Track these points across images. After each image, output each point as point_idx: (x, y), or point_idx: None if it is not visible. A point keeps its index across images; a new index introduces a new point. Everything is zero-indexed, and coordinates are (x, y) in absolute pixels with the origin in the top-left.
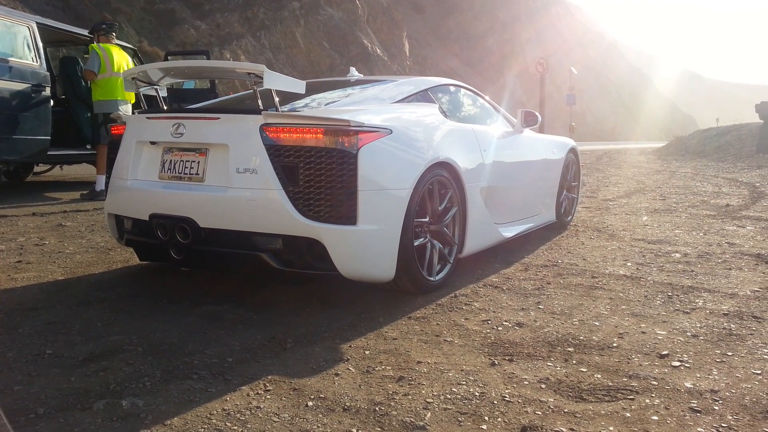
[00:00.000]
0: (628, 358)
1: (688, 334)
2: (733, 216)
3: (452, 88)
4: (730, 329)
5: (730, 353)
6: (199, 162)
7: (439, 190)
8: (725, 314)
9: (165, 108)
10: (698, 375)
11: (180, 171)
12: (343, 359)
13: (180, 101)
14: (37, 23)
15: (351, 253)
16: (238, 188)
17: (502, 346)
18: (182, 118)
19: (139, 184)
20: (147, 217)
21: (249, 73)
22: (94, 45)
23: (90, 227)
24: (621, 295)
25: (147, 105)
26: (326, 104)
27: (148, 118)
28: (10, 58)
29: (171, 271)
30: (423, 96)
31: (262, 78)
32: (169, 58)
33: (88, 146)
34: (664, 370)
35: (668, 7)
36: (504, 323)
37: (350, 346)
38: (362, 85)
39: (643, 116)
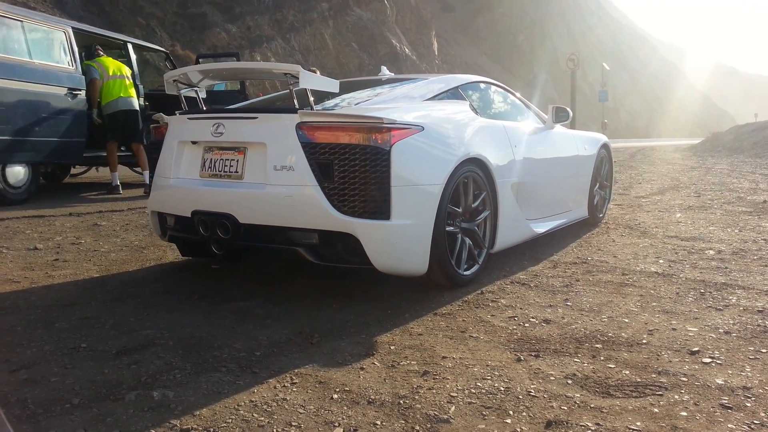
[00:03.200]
0: (658, 355)
1: (721, 330)
2: None
3: (482, 85)
4: (765, 326)
5: (764, 350)
6: (238, 160)
7: (470, 186)
8: (760, 311)
9: (204, 109)
10: (730, 372)
11: (220, 169)
12: (368, 354)
13: (211, 103)
14: (72, 28)
15: (385, 248)
16: (276, 185)
17: (529, 342)
18: (222, 118)
19: (181, 182)
20: (189, 213)
21: (285, 74)
22: (87, 62)
23: (124, 227)
24: (652, 292)
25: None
26: (358, 103)
27: (189, 118)
28: (48, 63)
29: (202, 269)
30: (454, 93)
31: (298, 78)
32: (200, 60)
33: (122, 148)
34: (694, 367)
35: (701, 0)
36: (531, 320)
37: (376, 341)
38: (393, 84)
39: (677, 112)
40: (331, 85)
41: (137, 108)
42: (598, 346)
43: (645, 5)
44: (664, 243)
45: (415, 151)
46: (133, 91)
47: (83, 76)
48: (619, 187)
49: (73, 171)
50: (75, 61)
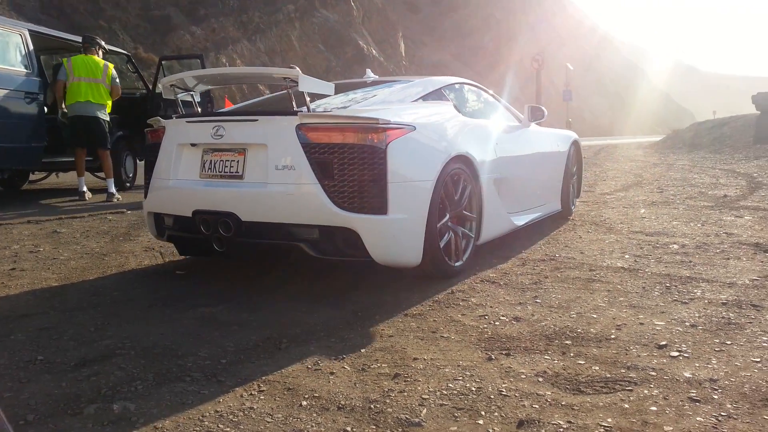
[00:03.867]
0: (626, 350)
1: (687, 324)
2: (730, 206)
3: (462, 86)
4: (729, 318)
5: (729, 342)
6: (238, 161)
7: (457, 182)
8: (724, 303)
9: (199, 111)
10: (697, 365)
11: (220, 170)
12: (338, 358)
13: (175, 106)
14: (29, 30)
15: (383, 241)
16: (277, 184)
17: (499, 340)
18: (222, 120)
19: (180, 184)
20: (190, 213)
21: (285, 78)
22: (63, 59)
23: (85, 233)
24: (619, 287)
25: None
26: (353, 104)
27: (187, 122)
28: (2, 66)
29: (165, 276)
30: (437, 94)
31: (296, 82)
32: (163, 63)
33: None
34: (662, 361)
35: (661, 1)
36: (501, 318)
37: (345, 345)
38: (379, 86)
39: (639, 110)
40: (327, 88)
41: (97, 114)
42: (567, 342)
43: (607, 6)
44: (630, 238)
45: (409, 150)
46: (102, 96)
47: (40, 80)
48: (584, 184)
49: (32, 177)
50: (32, 65)
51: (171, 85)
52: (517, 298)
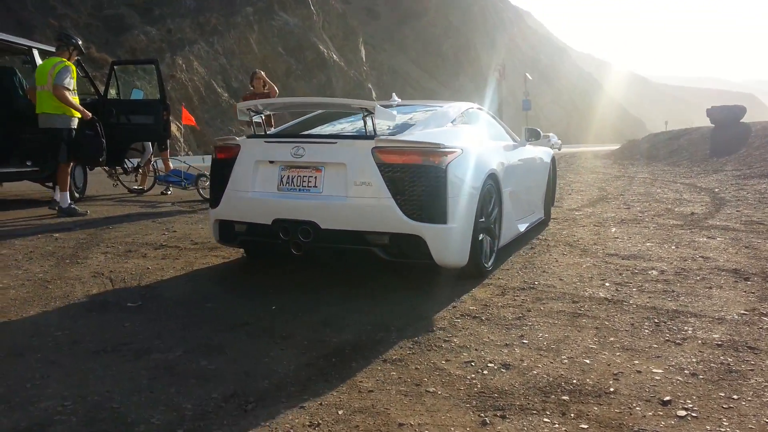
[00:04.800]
0: (630, 408)
1: (686, 372)
2: (700, 226)
3: (476, 111)
4: (729, 365)
5: (735, 396)
6: (316, 177)
7: (490, 195)
8: (719, 345)
9: (266, 132)
10: (708, 427)
11: (298, 184)
12: (313, 422)
13: (128, 112)
14: None
15: (443, 246)
16: (356, 197)
17: (491, 396)
18: (301, 142)
19: (259, 195)
20: (270, 221)
21: (362, 108)
22: None
23: (28, 255)
24: (606, 323)
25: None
26: (406, 128)
27: (266, 141)
28: None
29: (116, 309)
30: (461, 119)
31: (372, 111)
32: (116, 67)
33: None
34: (671, 422)
35: (615, 13)
36: (489, 365)
37: (321, 404)
38: (413, 110)
39: (593, 119)
40: (392, 117)
41: (51, 125)
42: (565, 398)
43: (563, 18)
44: (606, 263)
45: (461, 169)
46: (55, 105)
47: None
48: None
49: None
50: None
51: (248, 109)
52: (502, 337)
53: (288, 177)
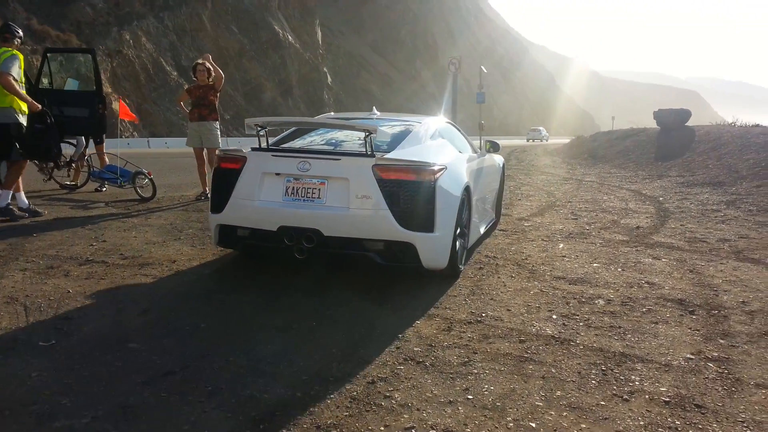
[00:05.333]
0: None
1: None
2: (645, 243)
3: (447, 125)
4: (676, 429)
5: None
6: (320, 189)
7: (463, 205)
8: (666, 402)
9: (267, 147)
10: None
11: (303, 195)
12: None
13: (61, 104)
14: None
15: (430, 252)
16: (357, 208)
17: None
18: (307, 157)
19: (265, 204)
20: (275, 228)
21: (365, 130)
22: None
23: None
24: (553, 371)
25: None
26: (397, 143)
27: (273, 155)
28: None
29: (26, 348)
30: (437, 133)
31: (374, 132)
32: (48, 55)
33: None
34: None
35: (566, 6)
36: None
37: None
38: (396, 124)
39: (544, 111)
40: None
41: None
42: None
43: (518, 8)
44: (554, 288)
45: (446, 184)
46: (6, 100)
47: None
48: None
49: None
50: None
51: (255, 125)
52: (446, 391)
53: (293, 188)
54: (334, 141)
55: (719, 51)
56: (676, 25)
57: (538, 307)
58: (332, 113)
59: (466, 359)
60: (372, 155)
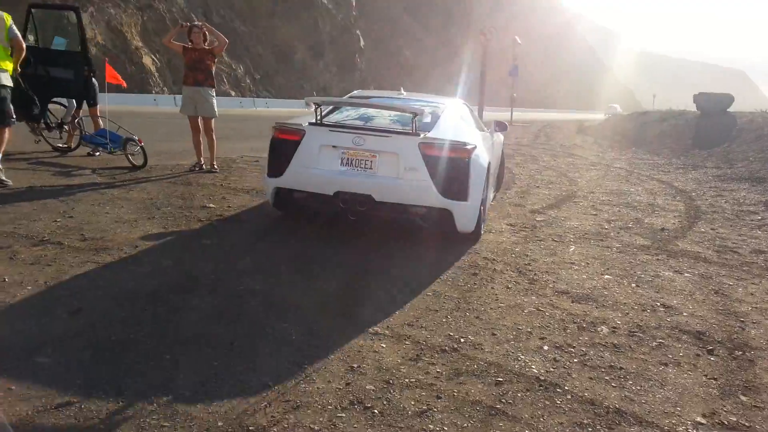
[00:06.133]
0: None
1: None
2: (669, 250)
3: (464, 107)
4: None
5: None
6: (372, 161)
7: (485, 178)
8: None
9: (320, 121)
10: None
11: (356, 165)
12: None
13: (47, 63)
14: None
15: (464, 217)
16: (405, 179)
17: None
18: (361, 133)
19: (323, 172)
20: (332, 192)
21: (412, 113)
22: None
23: None
24: None
25: None
26: (432, 123)
27: (330, 130)
28: None
29: None
30: (460, 115)
31: (419, 114)
32: (33, 10)
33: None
34: None
35: None
36: None
37: None
38: (424, 105)
39: (582, 85)
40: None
41: None
42: None
43: None
44: (553, 307)
45: (476, 160)
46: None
47: None
48: (517, 191)
49: None
50: None
51: (315, 103)
52: None
53: (348, 159)
54: (367, 116)
55: None
56: (725, 11)
57: (530, 332)
58: (360, 91)
59: (425, 407)
60: (418, 134)
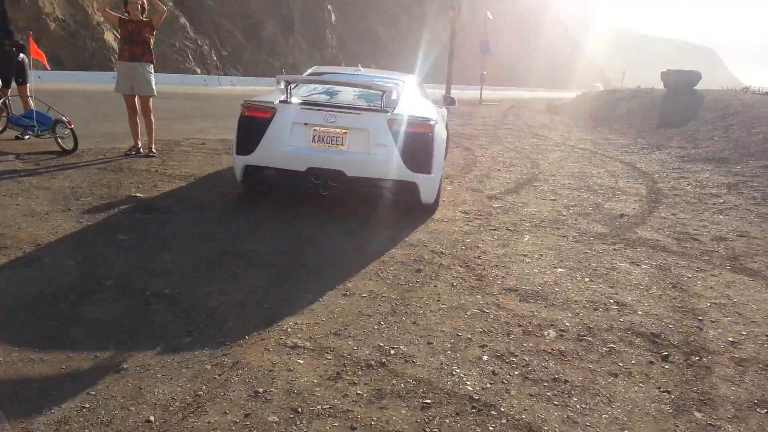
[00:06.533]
0: None
1: None
2: (627, 239)
3: (420, 84)
4: None
5: None
6: (342, 138)
7: (443, 151)
8: None
9: (288, 101)
10: None
11: (327, 142)
12: None
13: None
14: None
15: (427, 190)
16: (375, 154)
17: None
18: (333, 111)
19: (294, 150)
20: (304, 168)
21: (381, 90)
22: None
23: None
24: None
25: None
26: (394, 100)
27: (302, 108)
28: None
29: None
30: (419, 92)
31: (387, 92)
32: None
33: None
34: None
35: None
36: None
37: None
38: (384, 81)
39: (556, 62)
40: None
41: None
42: None
43: None
44: (499, 308)
45: (438, 135)
46: None
47: None
48: (477, 174)
49: None
50: None
51: (285, 81)
52: None
53: (319, 136)
54: (332, 92)
55: (741, 11)
56: None
57: (470, 339)
58: (317, 67)
59: None
60: (386, 111)
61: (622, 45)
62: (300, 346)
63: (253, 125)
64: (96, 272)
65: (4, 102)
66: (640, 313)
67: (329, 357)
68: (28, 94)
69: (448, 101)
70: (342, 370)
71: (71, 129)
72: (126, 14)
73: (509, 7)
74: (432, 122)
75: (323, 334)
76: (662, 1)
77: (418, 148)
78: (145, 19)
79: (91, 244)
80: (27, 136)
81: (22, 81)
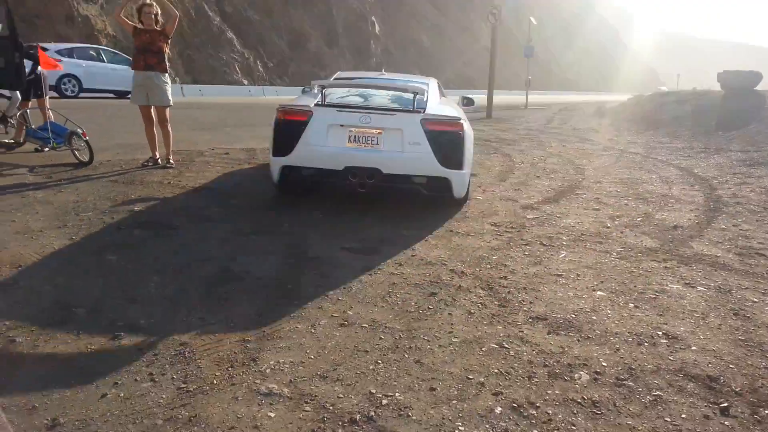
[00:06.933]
0: None
1: None
2: (680, 255)
3: (440, 85)
4: None
5: None
6: (377, 137)
7: (472, 149)
8: None
9: (323, 104)
10: None
11: (363, 141)
12: None
13: None
14: None
15: (459, 184)
16: (409, 152)
17: None
18: (367, 112)
19: (332, 149)
20: (342, 167)
21: (414, 92)
22: None
23: None
24: None
25: None
26: (424, 101)
27: (338, 111)
28: None
29: None
30: (442, 92)
31: (420, 93)
32: None
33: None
34: None
35: None
36: None
37: None
38: (410, 84)
39: (605, 66)
40: (433, 98)
41: None
42: None
43: None
44: (522, 341)
45: (467, 133)
46: None
47: None
48: (514, 182)
49: None
50: None
51: (320, 85)
52: None
53: (355, 136)
54: (364, 96)
55: None
56: None
57: (482, 383)
58: (341, 72)
59: None
60: (419, 111)
61: (675, 48)
62: (275, 393)
63: (289, 128)
64: (70, 299)
65: (22, 115)
66: (694, 348)
67: (307, 409)
68: (47, 106)
69: (467, 102)
70: (318, 428)
71: (86, 140)
72: (140, 24)
73: (554, 12)
74: (461, 120)
75: (307, 377)
76: (712, 3)
77: (449, 146)
78: (159, 29)
79: (76, 266)
80: (46, 149)
81: (39, 93)
